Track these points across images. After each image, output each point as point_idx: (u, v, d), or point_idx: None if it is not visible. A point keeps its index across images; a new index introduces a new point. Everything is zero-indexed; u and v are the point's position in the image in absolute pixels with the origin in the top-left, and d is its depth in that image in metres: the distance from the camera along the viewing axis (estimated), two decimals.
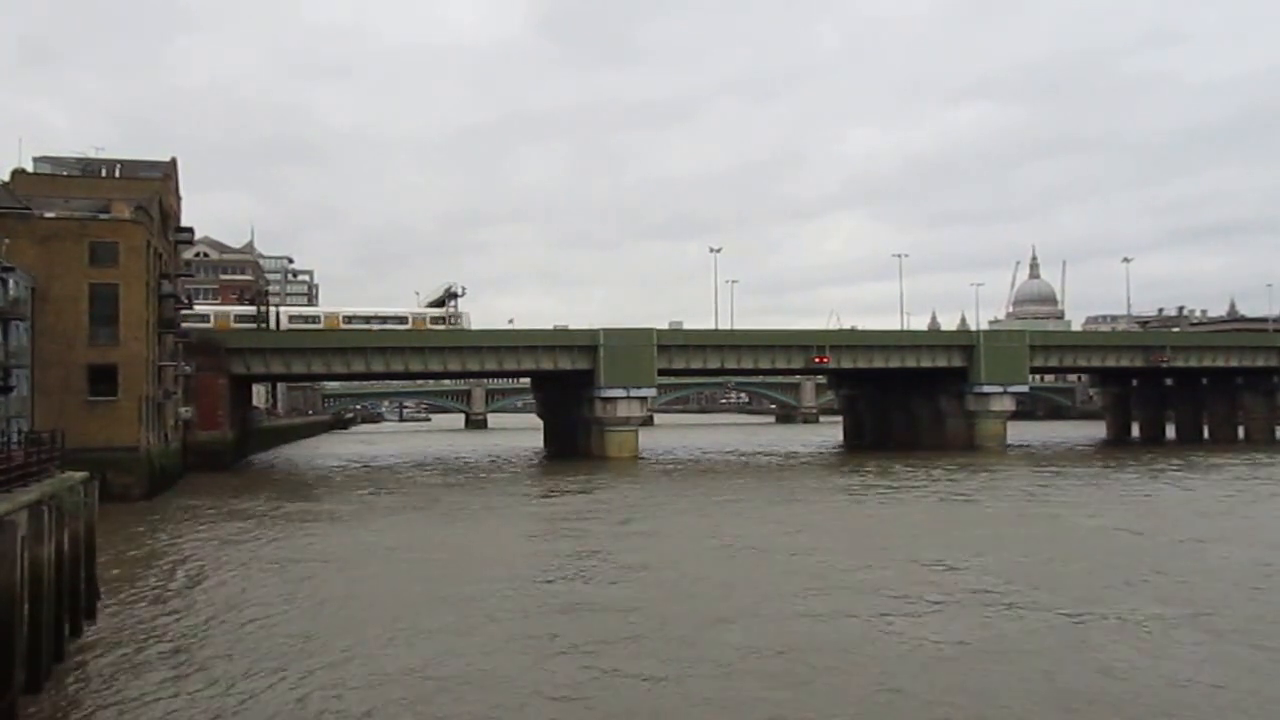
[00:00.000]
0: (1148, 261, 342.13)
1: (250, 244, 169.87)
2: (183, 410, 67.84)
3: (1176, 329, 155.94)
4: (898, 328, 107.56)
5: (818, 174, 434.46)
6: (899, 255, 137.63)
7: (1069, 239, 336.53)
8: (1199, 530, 37.23)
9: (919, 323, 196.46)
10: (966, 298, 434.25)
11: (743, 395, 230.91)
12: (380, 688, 18.00)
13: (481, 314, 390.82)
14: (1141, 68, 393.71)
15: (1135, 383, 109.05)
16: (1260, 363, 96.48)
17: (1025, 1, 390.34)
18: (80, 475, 24.57)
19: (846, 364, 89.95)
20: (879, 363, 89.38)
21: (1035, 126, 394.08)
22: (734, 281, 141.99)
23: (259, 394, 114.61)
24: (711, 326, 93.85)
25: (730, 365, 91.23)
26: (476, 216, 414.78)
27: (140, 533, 38.75)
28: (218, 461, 69.95)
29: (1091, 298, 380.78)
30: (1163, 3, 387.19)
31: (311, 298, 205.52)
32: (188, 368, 68.99)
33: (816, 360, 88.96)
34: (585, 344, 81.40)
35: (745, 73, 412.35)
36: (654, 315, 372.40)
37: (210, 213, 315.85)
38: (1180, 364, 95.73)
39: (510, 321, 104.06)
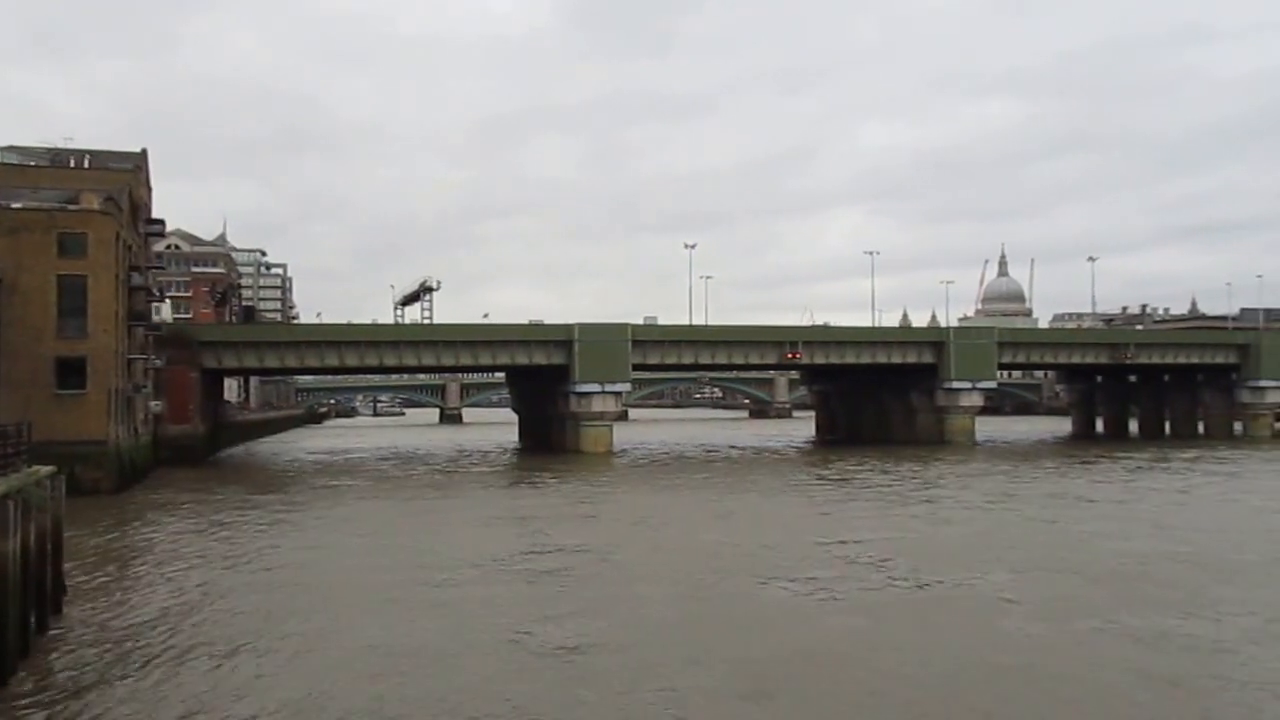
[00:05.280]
0: (1147, 259, 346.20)
1: (222, 236, 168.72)
2: (153, 404, 67.53)
3: (1140, 327, 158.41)
4: (871, 324, 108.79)
5: (828, 169, 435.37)
6: (870, 252, 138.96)
7: (1071, 236, 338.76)
8: (1098, 520, 38.70)
9: (897, 320, 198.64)
10: (943, 295, 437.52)
11: (717, 390, 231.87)
12: (339, 672, 18.37)
13: (475, 307, 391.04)
14: (1171, 63, 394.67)
15: (1100, 379, 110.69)
16: (1220, 360, 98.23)
17: None
18: (47, 469, 24.64)
19: (819, 360, 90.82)
20: (850, 359, 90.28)
21: (1054, 122, 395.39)
22: (708, 277, 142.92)
23: (230, 388, 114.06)
24: (697, 323, 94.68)
25: (704, 361, 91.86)
26: (481, 210, 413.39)
27: (109, 527, 38.75)
28: (189, 456, 69.69)
29: (1074, 295, 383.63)
30: None
31: (285, 291, 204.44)
32: (158, 361, 68.69)
33: (789, 356, 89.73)
34: (560, 339, 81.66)
35: (772, 67, 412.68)
36: (649, 310, 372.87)
37: (211, 201, 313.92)
38: (1143, 361, 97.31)
39: (485, 316, 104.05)
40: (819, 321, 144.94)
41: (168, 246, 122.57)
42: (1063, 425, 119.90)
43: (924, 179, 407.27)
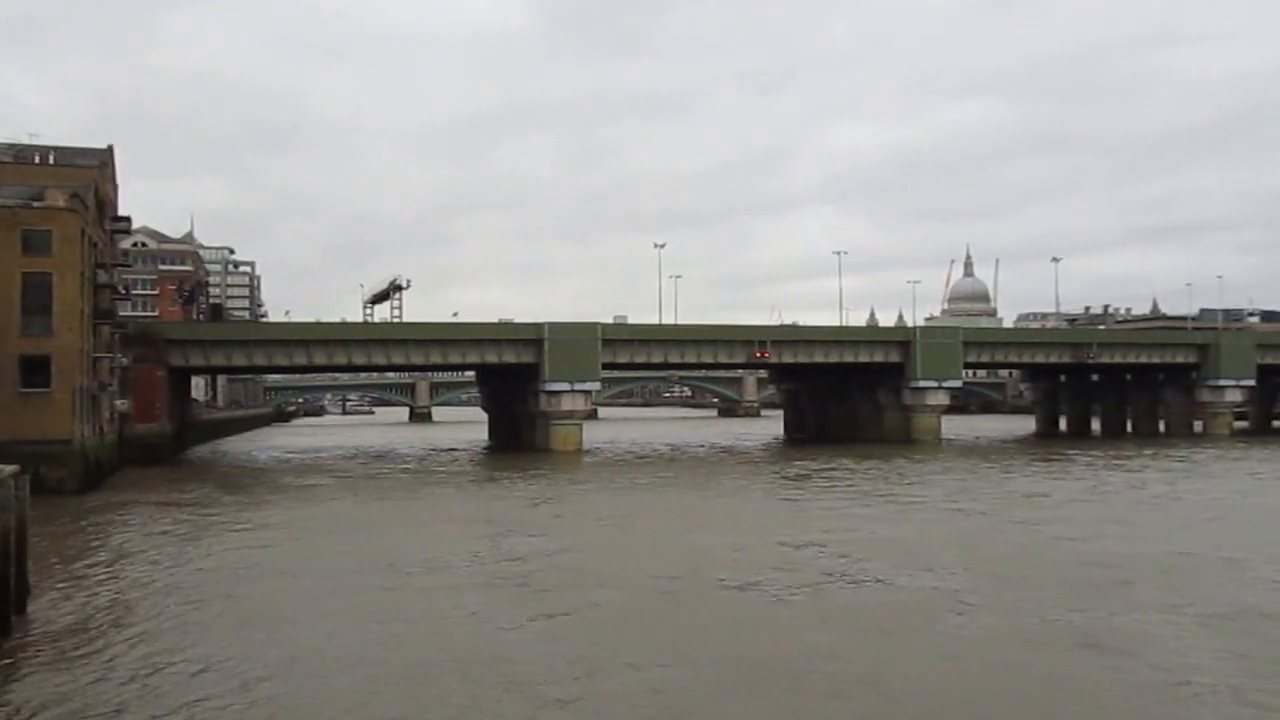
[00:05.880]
0: (1110, 259, 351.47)
1: (190, 234, 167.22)
2: (119, 402, 67.02)
3: (1103, 327, 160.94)
4: (842, 324, 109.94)
5: (804, 169, 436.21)
6: (838, 252, 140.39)
7: (1037, 236, 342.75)
8: (1060, 521, 39.18)
9: (865, 319, 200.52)
10: (910, 294, 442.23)
11: (686, 389, 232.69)
12: (285, 680, 18.62)
13: (447, 306, 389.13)
14: (1140, 67, 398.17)
15: (1063, 378, 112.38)
16: (1179, 359, 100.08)
17: None
18: (11, 469, 24.63)
19: (787, 359, 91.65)
20: (819, 358, 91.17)
21: (1024, 124, 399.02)
22: (677, 277, 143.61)
23: (198, 386, 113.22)
24: (669, 321, 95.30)
25: (674, 360, 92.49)
26: (457, 207, 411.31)
27: (73, 527, 38.57)
28: (155, 455, 69.12)
29: (1038, 295, 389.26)
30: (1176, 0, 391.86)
31: (253, 289, 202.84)
32: (124, 359, 68.17)
33: (757, 355, 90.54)
34: (530, 337, 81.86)
35: (749, 67, 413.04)
36: (624, 309, 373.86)
37: (179, 199, 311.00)
38: (1106, 360, 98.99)
39: (455, 314, 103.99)
40: (787, 321, 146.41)
41: (134, 244, 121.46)
42: (1027, 424, 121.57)
43: (895, 179, 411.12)
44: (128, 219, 76.22)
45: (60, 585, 27.12)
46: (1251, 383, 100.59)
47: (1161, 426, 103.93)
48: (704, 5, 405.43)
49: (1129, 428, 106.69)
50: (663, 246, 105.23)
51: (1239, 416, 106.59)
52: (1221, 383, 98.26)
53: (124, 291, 76.20)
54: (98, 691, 17.55)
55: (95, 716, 16.35)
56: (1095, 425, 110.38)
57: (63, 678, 18.35)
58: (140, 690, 17.59)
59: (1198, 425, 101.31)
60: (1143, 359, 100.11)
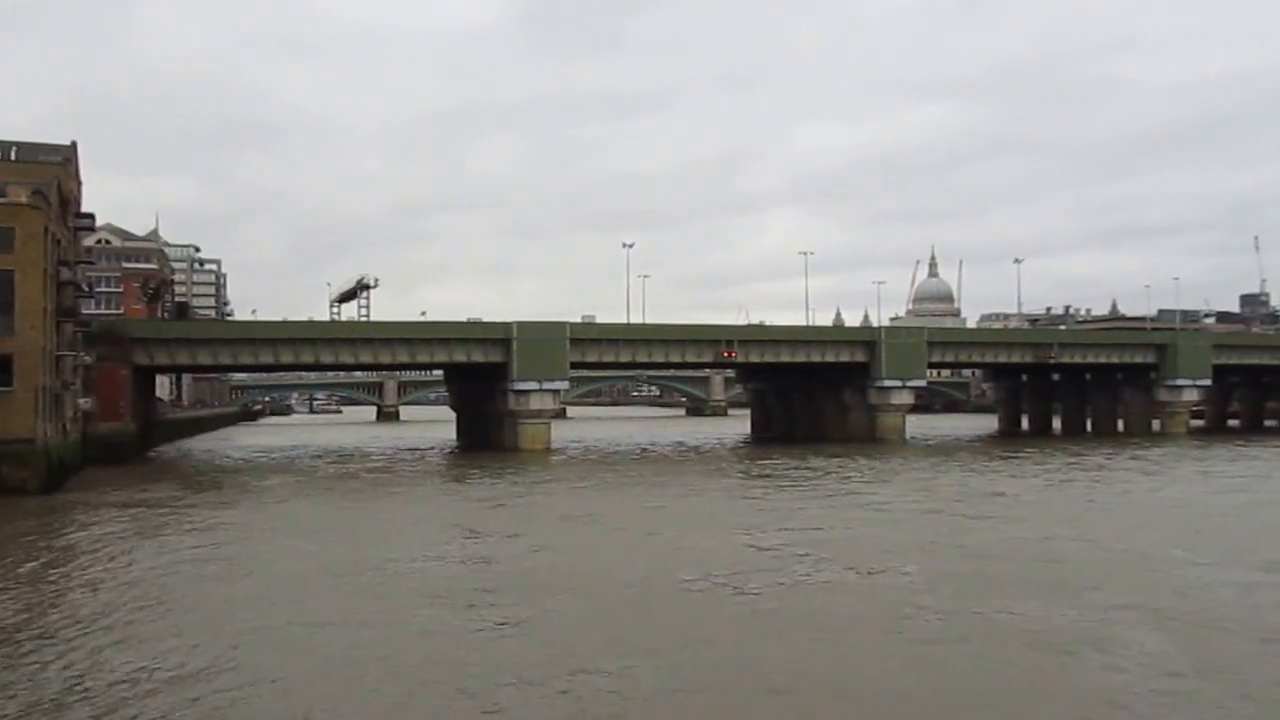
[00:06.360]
0: (1071, 261, 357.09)
1: (155, 232, 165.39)
2: (82, 401, 66.43)
3: (1064, 327, 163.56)
4: (810, 324, 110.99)
5: (771, 170, 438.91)
6: (804, 253, 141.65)
7: (1001, 238, 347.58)
8: (1014, 521, 39.84)
9: (831, 319, 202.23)
10: (876, 295, 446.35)
11: (654, 389, 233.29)
12: (258, 674, 18.83)
13: (417, 305, 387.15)
14: (1102, 71, 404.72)
15: (1025, 378, 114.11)
16: (1139, 359, 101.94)
17: (1010, 2, 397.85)
18: None
19: (754, 358, 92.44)
20: (785, 357, 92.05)
21: (989, 126, 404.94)
22: (645, 276, 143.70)
23: (163, 385, 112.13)
24: (638, 321, 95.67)
25: (642, 359, 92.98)
26: (427, 206, 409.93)
27: (34, 527, 38.37)
28: (119, 454, 68.53)
29: (1001, 295, 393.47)
30: (1140, 6, 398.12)
31: (220, 287, 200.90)
32: (88, 358, 67.55)
33: (724, 354, 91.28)
34: (498, 337, 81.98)
35: (717, 69, 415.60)
36: (594, 308, 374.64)
37: (145, 196, 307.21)
38: (1066, 360, 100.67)
39: (423, 313, 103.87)
40: (754, 320, 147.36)
41: (98, 241, 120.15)
42: (990, 423, 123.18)
43: (863, 180, 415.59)
44: (91, 216, 75.43)
45: (15, 586, 27.03)
46: (1208, 382, 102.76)
47: (1121, 425, 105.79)
48: (676, 6, 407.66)
49: (1089, 426, 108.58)
50: (631, 246, 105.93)
51: (1195, 415, 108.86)
52: (1179, 382, 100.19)
53: (88, 289, 75.47)
54: (43, 690, 17.55)
55: (38, 713, 16.40)
56: (1056, 424, 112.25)
57: (8, 676, 18.39)
58: (86, 690, 17.59)
59: (1156, 424, 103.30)
60: (1103, 359, 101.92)
